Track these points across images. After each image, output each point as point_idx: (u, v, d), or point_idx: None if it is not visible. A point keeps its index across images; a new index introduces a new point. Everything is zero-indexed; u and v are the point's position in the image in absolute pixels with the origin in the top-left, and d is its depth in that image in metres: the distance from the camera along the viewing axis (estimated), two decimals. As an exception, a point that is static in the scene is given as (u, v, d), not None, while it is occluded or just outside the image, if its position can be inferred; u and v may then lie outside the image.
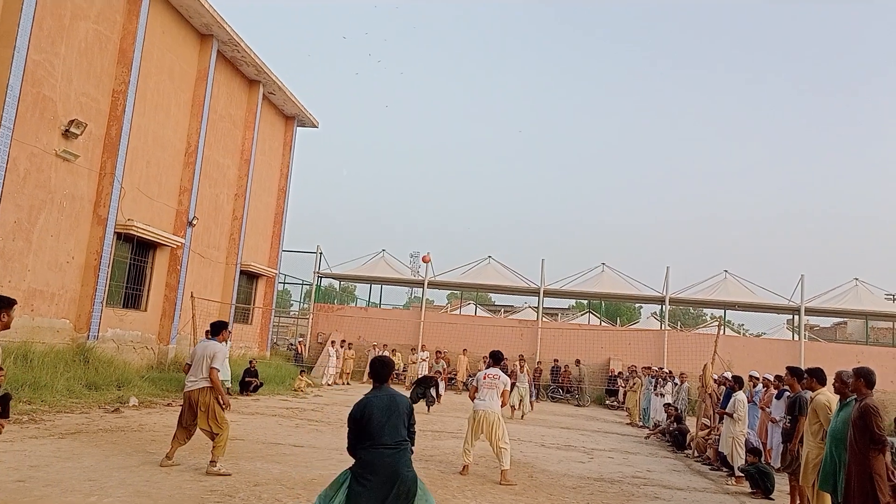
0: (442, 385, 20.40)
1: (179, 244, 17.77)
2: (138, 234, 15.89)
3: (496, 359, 9.34)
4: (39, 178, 13.13)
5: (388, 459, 4.48)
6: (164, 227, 17.33)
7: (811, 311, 27.90)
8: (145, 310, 17.07)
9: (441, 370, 21.41)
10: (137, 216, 15.99)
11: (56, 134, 13.47)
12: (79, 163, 14.15)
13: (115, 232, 15.14)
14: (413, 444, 4.71)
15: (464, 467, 8.92)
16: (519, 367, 18.09)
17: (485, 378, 9.03)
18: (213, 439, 7.57)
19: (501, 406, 8.97)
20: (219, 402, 7.72)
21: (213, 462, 7.51)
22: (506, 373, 9.78)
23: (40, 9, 12.63)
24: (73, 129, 13.65)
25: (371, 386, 4.90)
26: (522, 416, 17.44)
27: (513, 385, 17.43)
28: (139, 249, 16.69)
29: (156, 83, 16.84)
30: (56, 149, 13.48)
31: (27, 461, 7.12)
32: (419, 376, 18.96)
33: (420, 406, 16.55)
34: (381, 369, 4.92)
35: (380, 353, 22.08)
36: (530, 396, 18.27)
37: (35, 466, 6.94)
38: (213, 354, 7.77)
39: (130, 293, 16.61)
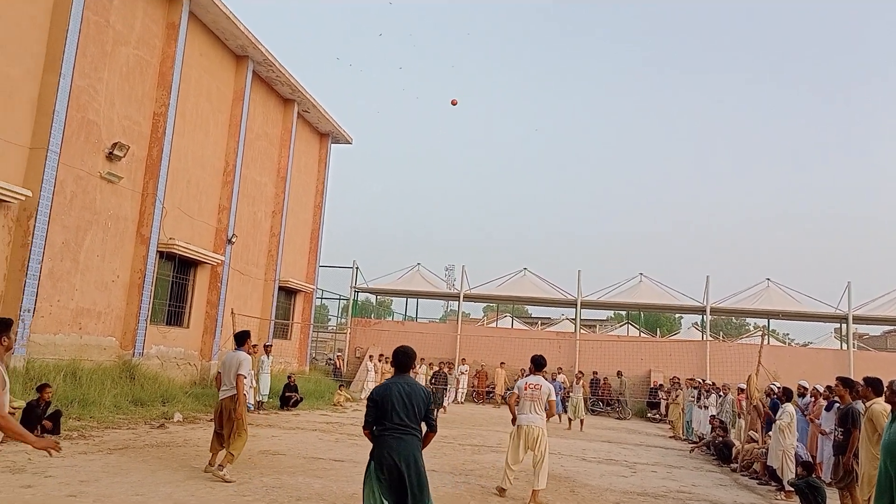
0: (451, 394, 21.06)
1: (219, 261, 18.10)
2: (180, 253, 16.23)
3: (538, 365, 8.28)
4: (85, 199, 13.53)
5: (393, 443, 4.82)
6: (204, 245, 17.68)
7: (860, 319, 27.02)
8: (187, 326, 17.40)
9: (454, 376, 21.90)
10: (179, 235, 16.35)
11: (100, 156, 13.89)
12: (122, 184, 14.55)
13: (157, 251, 15.51)
14: (432, 430, 5.13)
15: (501, 490, 8.14)
16: (576, 379, 19.69)
17: (525, 388, 8.08)
18: (228, 446, 7.94)
19: (548, 418, 8.23)
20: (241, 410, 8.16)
21: (221, 466, 7.81)
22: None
23: (84, 36, 13.08)
24: (116, 152, 14.05)
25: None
26: (581, 425, 18.31)
27: (567, 397, 18.51)
28: (181, 267, 17.05)
29: (194, 104, 17.25)
30: (101, 171, 13.89)
31: (77, 476, 7.29)
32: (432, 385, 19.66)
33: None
34: (403, 358, 5.18)
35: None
36: (586, 409, 19.78)
37: (85, 481, 7.09)
38: (240, 363, 8.20)
39: (173, 310, 16.95)
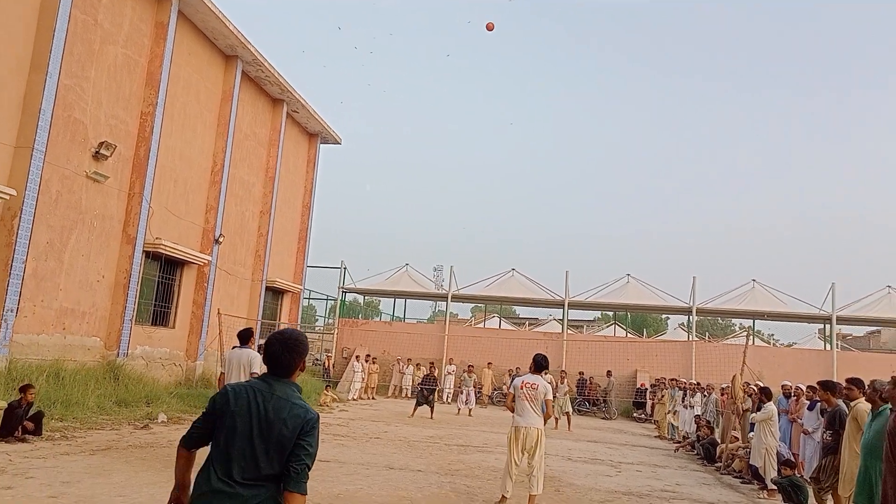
0: (473, 398, 20.78)
1: (206, 262, 18.03)
2: (166, 253, 16.16)
3: (539, 365, 8.03)
4: (71, 199, 13.45)
5: None
6: (191, 245, 17.61)
7: (843, 320, 27.37)
8: (173, 327, 17.32)
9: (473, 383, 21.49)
10: (165, 235, 16.27)
11: (87, 156, 13.81)
12: (108, 183, 14.47)
13: (143, 251, 15.43)
14: (296, 490, 2.74)
15: (502, 498, 7.78)
16: (560, 379, 19.52)
17: (522, 387, 7.78)
18: None
19: (546, 419, 7.91)
20: None
21: None
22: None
23: (71, 35, 13.00)
24: (102, 151, 13.98)
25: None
26: (569, 423, 18.51)
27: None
28: (167, 267, 16.97)
29: (182, 104, 17.18)
30: (87, 170, 13.81)
31: (59, 477, 7.25)
32: (421, 385, 19.53)
33: (424, 411, 18.30)
34: (278, 347, 2.92)
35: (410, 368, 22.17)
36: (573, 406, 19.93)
37: (67, 482, 7.06)
38: (251, 361, 8.10)
39: (159, 310, 16.87)
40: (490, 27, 14.04)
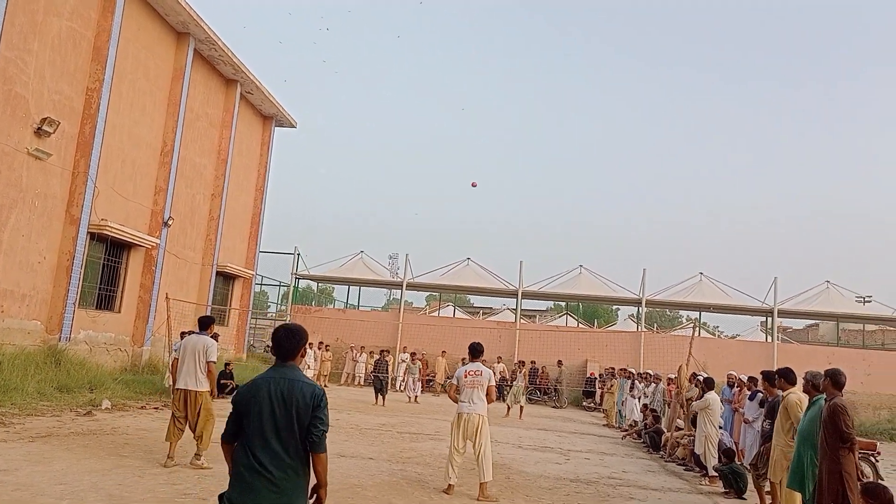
0: (419, 385, 20.85)
1: (154, 245, 17.56)
2: (112, 235, 15.67)
3: (475, 352, 8.13)
4: (10, 176, 12.90)
5: (254, 489, 3.28)
6: (138, 228, 17.11)
7: (784, 314, 28.36)
8: (119, 311, 16.84)
9: (418, 371, 21.46)
10: (111, 216, 15.77)
11: (28, 132, 13.25)
12: (51, 161, 13.92)
13: (88, 232, 14.93)
14: (317, 449, 3.41)
15: (448, 486, 7.77)
16: (519, 369, 19.90)
17: (465, 376, 7.93)
18: (194, 433, 7.86)
19: (489, 402, 7.95)
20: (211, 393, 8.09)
21: (197, 455, 7.78)
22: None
23: (12, 5, 12.42)
24: (45, 128, 13.43)
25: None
26: (521, 413, 18.47)
27: (505, 386, 18.63)
28: (113, 250, 16.46)
29: (131, 81, 16.63)
30: (28, 147, 13.25)
31: (-4, 465, 6.99)
32: (374, 373, 19.73)
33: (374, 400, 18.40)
34: (287, 337, 3.55)
35: (360, 355, 22.26)
36: (525, 397, 19.70)
37: (5, 470, 6.81)
38: (207, 348, 7.95)
39: (104, 294, 16.37)
40: (474, 185, 16.54)
